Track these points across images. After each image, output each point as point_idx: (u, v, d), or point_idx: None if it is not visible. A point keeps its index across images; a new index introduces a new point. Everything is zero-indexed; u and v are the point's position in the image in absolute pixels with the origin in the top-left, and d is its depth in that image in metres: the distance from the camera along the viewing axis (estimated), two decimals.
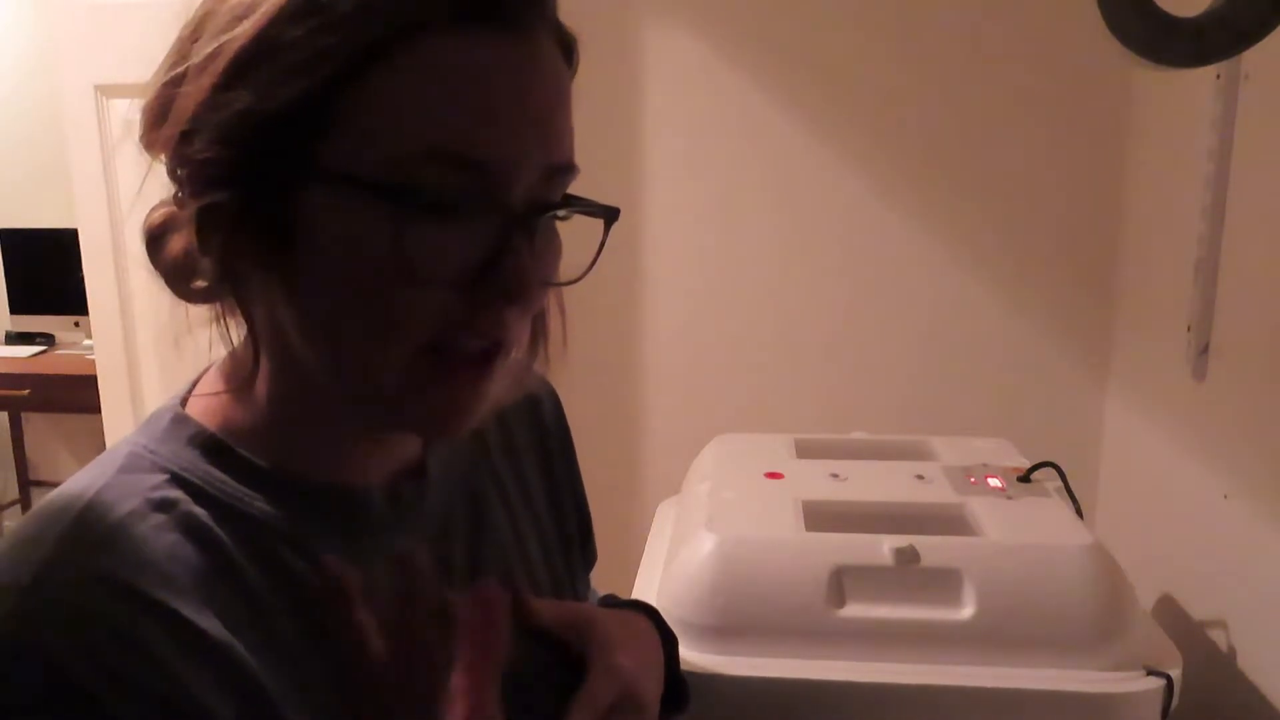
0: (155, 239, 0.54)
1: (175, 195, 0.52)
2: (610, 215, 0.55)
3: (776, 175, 1.79)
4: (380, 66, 0.46)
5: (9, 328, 3.30)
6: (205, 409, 0.56)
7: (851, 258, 1.80)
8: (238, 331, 0.55)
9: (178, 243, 0.53)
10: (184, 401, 0.57)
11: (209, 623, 0.48)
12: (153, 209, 0.55)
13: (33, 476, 3.39)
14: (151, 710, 0.45)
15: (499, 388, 0.54)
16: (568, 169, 0.51)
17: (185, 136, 0.49)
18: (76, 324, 3.14)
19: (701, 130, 1.80)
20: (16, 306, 3.27)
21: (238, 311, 0.53)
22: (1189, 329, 1.33)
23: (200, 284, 0.53)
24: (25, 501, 3.37)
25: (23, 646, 0.44)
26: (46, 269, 3.14)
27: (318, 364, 0.52)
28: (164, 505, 0.50)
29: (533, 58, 0.49)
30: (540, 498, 0.71)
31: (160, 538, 0.49)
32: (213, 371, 0.58)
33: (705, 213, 1.82)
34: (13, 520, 3.47)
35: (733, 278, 1.83)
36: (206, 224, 0.49)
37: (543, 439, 0.73)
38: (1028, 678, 0.95)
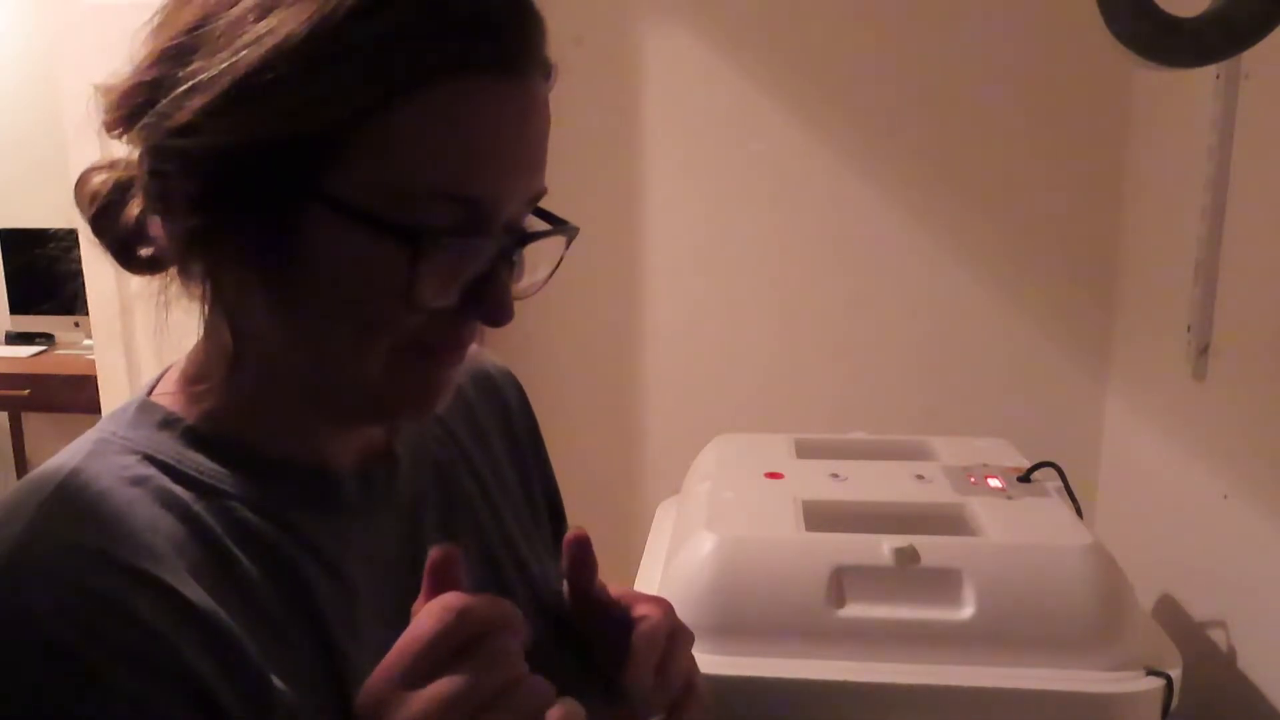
0: (104, 208, 0.53)
1: (150, 190, 0.51)
2: (572, 234, 0.58)
3: (776, 175, 1.79)
4: (394, 108, 0.48)
5: (9, 328, 3.30)
6: (172, 399, 0.56)
7: (851, 257, 1.80)
8: (204, 322, 0.55)
9: (131, 210, 0.53)
10: (149, 393, 0.57)
11: (192, 591, 0.48)
12: (89, 173, 0.54)
13: None
14: (140, 671, 0.45)
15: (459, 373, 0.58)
16: (542, 193, 0.55)
17: (179, 146, 0.48)
18: (76, 324, 3.13)
19: (701, 130, 1.80)
20: (16, 306, 3.27)
21: (211, 306, 0.54)
22: (1189, 329, 1.33)
23: (146, 252, 0.54)
24: None
25: (5, 615, 0.44)
26: (46, 269, 3.13)
27: (297, 362, 0.53)
28: (139, 481, 0.51)
29: (532, 100, 0.52)
30: (511, 478, 0.73)
31: (138, 511, 0.49)
32: (176, 368, 0.59)
33: (705, 212, 1.82)
34: None
35: (733, 278, 1.83)
36: (199, 233, 0.50)
37: (508, 423, 0.75)
38: (1028, 678, 0.95)
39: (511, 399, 0.76)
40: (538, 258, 0.57)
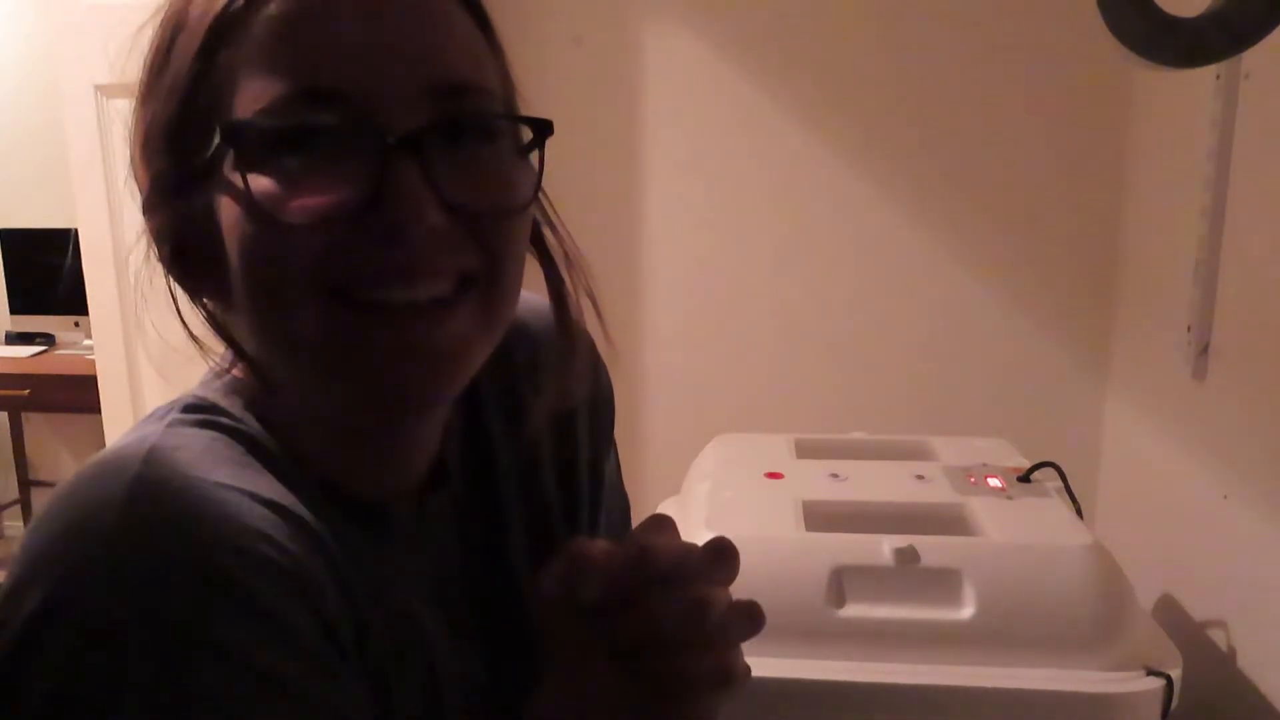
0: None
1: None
2: (539, 127, 0.51)
3: (776, 175, 1.79)
4: (227, 47, 0.47)
5: (9, 328, 3.30)
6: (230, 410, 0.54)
7: (851, 257, 1.80)
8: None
9: None
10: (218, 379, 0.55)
11: (318, 527, 0.48)
12: None
13: (33, 476, 3.38)
14: (284, 583, 0.44)
15: (467, 353, 0.50)
16: (461, 89, 0.48)
17: (139, 181, 0.51)
18: (76, 324, 3.13)
19: (701, 130, 1.80)
20: (16, 306, 3.27)
21: (224, 340, 0.52)
22: (1189, 329, 1.33)
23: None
24: (25, 501, 3.35)
25: (140, 544, 0.42)
26: (46, 269, 3.14)
27: (266, 361, 0.51)
28: (235, 436, 0.50)
29: None
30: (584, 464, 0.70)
31: (242, 472, 0.48)
32: (219, 389, 0.55)
33: (705, 213, 1.82)
34: (13, 521, 3.47)
35: (733, 278, 1.83)
36: (155, 243, 0.51)
37: (595, 408, 0.73)
38: (1028, 678, 0.95)
39: (603, 383, 0.74)
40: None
